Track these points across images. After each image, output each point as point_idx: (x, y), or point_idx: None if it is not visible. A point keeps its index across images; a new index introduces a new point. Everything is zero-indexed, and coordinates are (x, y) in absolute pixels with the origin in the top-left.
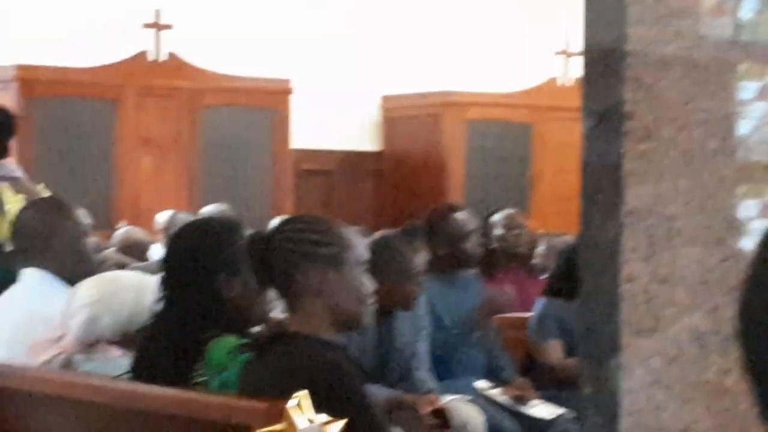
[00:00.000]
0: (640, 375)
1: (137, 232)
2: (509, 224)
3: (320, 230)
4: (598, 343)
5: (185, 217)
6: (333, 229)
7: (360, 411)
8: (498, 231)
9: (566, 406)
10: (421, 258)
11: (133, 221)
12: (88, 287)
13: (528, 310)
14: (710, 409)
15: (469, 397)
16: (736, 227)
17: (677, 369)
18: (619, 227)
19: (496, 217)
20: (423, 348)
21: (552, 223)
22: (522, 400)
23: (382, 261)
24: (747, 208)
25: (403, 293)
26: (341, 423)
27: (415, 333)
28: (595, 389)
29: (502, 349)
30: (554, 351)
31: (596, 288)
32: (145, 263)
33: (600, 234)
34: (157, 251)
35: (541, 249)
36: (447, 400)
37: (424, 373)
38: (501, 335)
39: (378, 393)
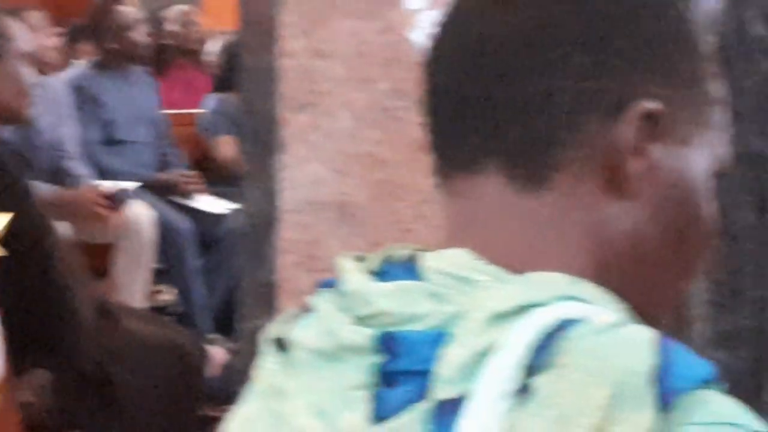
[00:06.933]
0: (298, 150)
1: None
2: (181, 20)
3: None
4: (257, 122)
5: None
6: None
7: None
8: (170, 27)
9: (237, 202)
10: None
11: None
12: None
13: (198, 106)
14: (366, 179)
15: (136, 184)
16: (391, 1)
17: (333, 143)
18: (276, 3)
19: (168, 12)
20: (70, 137)
21: (226, 20)
22: (190, 194)
23: None
24: None
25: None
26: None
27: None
28: (257, 169)
29: (172, 144)
30: (225, 146)
31: (255, 66)
32: None
33: (257, 10)
34: None
35: (213, 45)
36: (110, 184)
37: (74, 163)
38: (171, 131)
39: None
